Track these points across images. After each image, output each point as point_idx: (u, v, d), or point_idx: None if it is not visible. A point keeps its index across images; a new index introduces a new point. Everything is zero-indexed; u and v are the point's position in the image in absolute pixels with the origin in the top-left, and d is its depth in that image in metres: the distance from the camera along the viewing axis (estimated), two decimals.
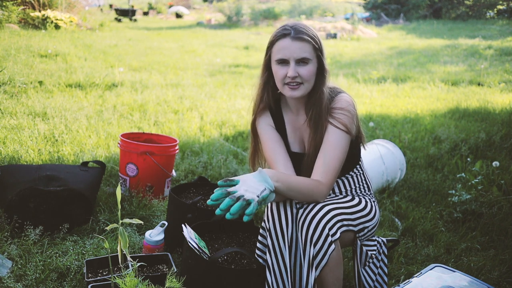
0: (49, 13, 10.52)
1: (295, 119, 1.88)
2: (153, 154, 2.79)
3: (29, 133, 3.64)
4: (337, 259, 1.62)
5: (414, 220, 2.77)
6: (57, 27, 10.53)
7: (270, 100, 1.88)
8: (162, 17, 23.03)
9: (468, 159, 3.62)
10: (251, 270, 1.79)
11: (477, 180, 3.04)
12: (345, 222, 1.68)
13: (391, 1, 21.49)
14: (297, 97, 1.76)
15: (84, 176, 2.53)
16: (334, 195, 1.88)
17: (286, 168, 1.79)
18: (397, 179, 3.26)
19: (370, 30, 16.54)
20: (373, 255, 1.83)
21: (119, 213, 1.66)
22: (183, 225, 1.81)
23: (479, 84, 7.08)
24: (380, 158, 3.13)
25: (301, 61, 1.71)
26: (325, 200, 1.74)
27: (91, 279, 1.90)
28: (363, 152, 2.00)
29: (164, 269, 2.06)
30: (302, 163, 1.82)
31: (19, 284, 1.89)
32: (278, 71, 1.74)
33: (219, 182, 1.52)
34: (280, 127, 1.89)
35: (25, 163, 3.07)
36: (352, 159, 1.87)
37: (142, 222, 1.68)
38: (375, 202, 1.91)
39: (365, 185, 1.95)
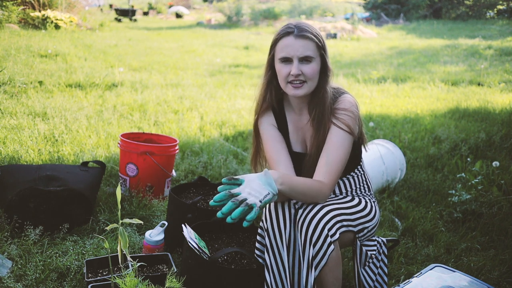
0: (49, 13, 10.52)
1: (297, 119, 1.88)
2: (153, 154, 2.79)
3: (29, 133, 3.64)
4: (336, 260, 1.62)
5: (414, 220, 2.77)
6: (57, 27, 10.53)
7: (273, 100, 1.87)
8: (162, 17, 23.03)
9: (468, 159, 3.62)
10: (251, 270, 1.79)
11: (477, 180, 3.04)
12: (345, 223, 1.68)
13: (391, 1, 21.49)
14: (300, 96, 1.76)
15: (84, 176, 2.53)
16: (334, 195, 1.87)
17: (287, 168, 1.79)
18: (397, 179, 3.26)
19: (370, 30, 16.54)
20: (373, 255, 1.83)
21: (119, 213, 1.66)
22: (183, 225, 1.81)
23: (479, 84, 7.08)
24: (380, 158, 3.13)
25: (305, 59, 1.71)
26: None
27: (91, 279, 1.90)
28: (363, 152, 2.00)
29: (164, 269, 2.06)
30: (304, 162, 1.82)
31: (19, 284, 1.89)
32: (282, 70, 1.74)
33: (223, 180, 1.51)
34: (282, 127, 1.89)
35: (25, 163, 3.07)
36: (353, 160, 1.87)
37: (142, 222, 1.68)
38: (375, 203, 1.91)
39: (365, 186, 1.95)
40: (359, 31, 15.59)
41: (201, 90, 6.22)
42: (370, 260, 1.82)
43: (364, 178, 1.95)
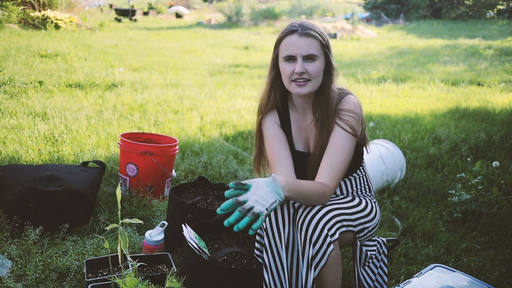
0: (49, 13, 10.52)
1: (301, 119, 1.88)
2: (153, 154, 2.79)
3: (29, 133, 3.64)
4: (336, 259, 1.62)
5: (414, 220, 2.77)
6: (57, 27, 10.53)
7: (277, 99, 1.86)
8: (162, 17, 23.03)
9: (468, 159, 3.62)
10: (251, 270, 1.79)
11: (477, 180, 3.04)
12: (345, 223, 1.68)
13: (391, 1, 21.49)
14: (304, 94, 1.75)
15: (84, 176, 2.53)
16: (335, 196, 1.87)
17: (288, 168, 1.78)
18: (397, 179, 3.26)
19: (370, 30, 16.54)
20: (372, 255, 1.83)
21: (119, 213, 1.66)
22: (183, 225, 1.81)
23: (479, 84, 7.08)
24: (380, 158, 3.13)
25: (309, 58, 1.71)
26: None
27: (91, 279, 1.90)
28: (364, 153, 2.00)
29: (164, 269, 2.06)
30: (308, 162, 1.82)
31: (19, 284, 1.89)
32: (286, 68, 1.74)
33: (230, 184, 1.49)
34: (285, 126, 1.89)
35: (25, 163, 3.07)
36: (355, 161, 1.86)
37: (142, 222, 1.68)
38: (376, 203, 1.91)
39: (366, 187, 1.95)
40: (359, 31, 15.59)
41: (201, 90, 6.22)
42: (370, 260, 1.82)
43: (365, 179, 1.95)
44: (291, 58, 1.72)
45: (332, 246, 1.58)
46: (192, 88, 6.32)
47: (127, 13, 18.92)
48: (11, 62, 6.06)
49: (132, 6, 20.82)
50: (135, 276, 1.61)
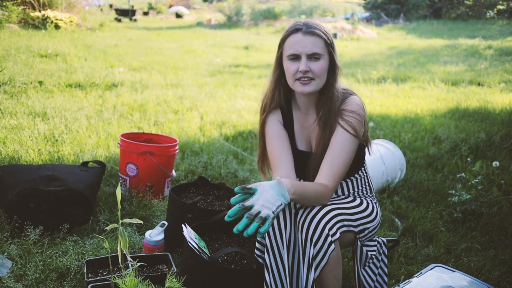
0: (49, 13, 10.52)
1: (304, 118, 1.87)
2: (153, 154, 2.79)
3: (29, 133, 3.64)
4: (336, 259, 1.62)
5: (414, 220, 2.77)
6: (57, 27, 10.53)
7: (281, 99, 1.86)
8: (162, 17, 23.03)
9: (468, 159, 3.62)
10: (251, 270, 1.79)
11: (477, 180, 3.04)
12: (346, 223, 1.68)
13: (391, 1, 21.49)
14: (308, 93, 1.75)
15: (84, 176, 2.53)
16: (336, 196, 1.87)
17: (289, 168, 1.78)
18: (397, 179, 3.26)
19: (370, 30, 16.54)
20: (373, 255, 1.83)
21: (119, 213, 1.66)
22: (183, 225, 1.81)
23: (479, 84, 7.08)
24: (380, 158, 3.13)
25: (313, 56, 1.71)
26: None
27: (91, 279, 1.90)
28: (366, 154, 2.00)
29: (164, 269, 2.06)
30: (310, 162, 1.82)
31: (19, 284, 1.89)
32: (290, 67, 1.73)
33: (236, 189, 1.49)
34: (288, 125, 1.89)
35: (25, 163, 3.07)
36: (357, 162, 1.86)
37: (142, 222, 1.68)
38: (377, 204, 1.91)
39: (367, 187, 1.95)
40: (359, 31, 15.59)
41: (201, 90, 6.22)
42: (370, 261, 1.82)
43: (366, 180, 1.95)
44: (295, 57, 1.72)
45: (333, 246, 1.58)
46: (192, 88, 6.32)
47: (127, 13, 18.92)
48: (11, 62, 6.06)
49: (132, 6, 20.81)
50: (135, 276, 1.61)
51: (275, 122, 1.87)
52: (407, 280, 1.67)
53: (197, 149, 3.77)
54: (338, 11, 23.26)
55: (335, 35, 14.64)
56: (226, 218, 1.45)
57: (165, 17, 23.19)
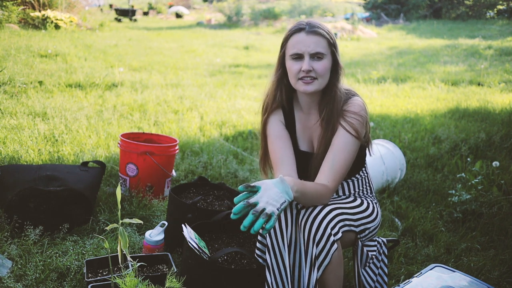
0: (49, 13, 10.52)
1: (305, 118, 1.87)
2: (153, 154, 2.79)
3: (29, 133, 3.64)
4: (338, 259, 1.62)
5: (414, 220, 2.77)
6: (57, 27, 10.53)
7: (283, 99, 1.86)
8: (162, 17, 23.03)
9: (468, 159, 3.62)
10: (251, 270, 1.79)
11: (477, 180, 3.04)
12: (347, 222, 1.68)
13: (391, 1, 21.49)
14: (310, 93, 1.75)
15: (84, 176, 2.53)
16: (337, 196, 1.87)
17: (291, 168, 1.78)
18: (397, 179, 3.26)
19: (370, 30, 16.54)
20: (373, 255, 1.83)
21: (119, 213, 1.66)
22: (183, 225, 1.81)
23: (479, 84, 7.08)
24: (380, 158, 3.13)
25: (316, 56, 1.71)
26: None
27: (91, 279, 1.90)
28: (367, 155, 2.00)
29: (164, 269, 2.06)
30: (311, 162, 1.82)
31: (19, 284, 1.89)
32: (293, 66, 1.73)
33: (240, 188, 1.48)
34: (290, 125, 1.89)
35: (25, 163, 3.07)
36: (358, 163, 1.86)
37: (142, 222, 1.68)
38: (377, 204, 1.91)
39: (368, 188, 1.95)
40: (359, 31, 15.59)
41: (201, 90, 6.22)
42: (371, 261, 1.82)
43: (367, 180, 1.95)
44: (298, 56, 1.72)
45: (335, 245, 1.58)
46: (192, 88, 6.32)
47: (127, 13, 18.92)
48: (11, 62, 6.07)
49: (132, 6, 20.81)
50: (135, 276, 1.61)
51: (276, 122, 1.87)
52: (407, 280, 1.67)
53: (197, 149, 3.77)
54: (338, 11, 23.26)
55: (335, 35, 14.62)
56: (231, 216, 1.45)
57: (165, 17, 23.19)
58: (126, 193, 2.83)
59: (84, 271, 1.96)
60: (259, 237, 1.76)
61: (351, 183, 1.89)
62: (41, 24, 10.32)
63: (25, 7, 10.53)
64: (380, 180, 3.12)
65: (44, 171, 2.45)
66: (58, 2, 11.44)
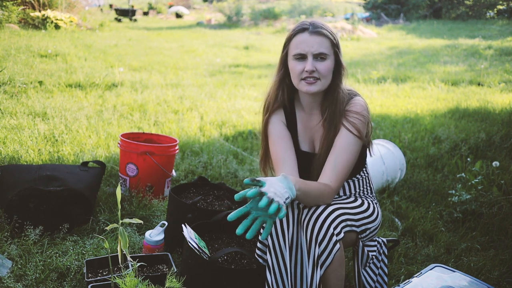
0: (49, 13, 10.52)
1: (307, 118, 1.87)
2: (153, 154, 2.79)
3: (29, 133, 3.65)
4: (340, 259, 1.62)
5: (414, 220, 2.77)
6: (57, 27, 10.53)
7: (285, 99, 1.86)
8: (162, 17, 23.03)
9: (468, 159, 3.62)
10: (251, 270, 1.79)
11: (477, 180, 3.04)
12: (349, 223, 1.68)
13: (391, 1, 21.49)
14: (313, 93, 1.75)
15: (84, 176, 2.53)
16: (338, 196, 1.87)
17: (292, 168, 1.78)
18: (397, 179, 3.26)
19: (370, 30, 16.53)
20: (373, 256, 1.83)
21: (119, 213, 1.66)
22: (183, 225, 1.81)
23: (479, 84, 7.08)
24: (380, 158, 3.13)
25: (319, 56, 1.71)
26: None
27: (91, 279, 1.90)
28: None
29: (164, 269, 2.06)
30: (314, 162, 1.82)
31: (19, 284, 1.89)
32: (296, 66, 1.73)
33: (245, 181, 1.47)
34: (291, 125, 1.88)
35: (25, 163, 3.07)
36: (359, 163, 1.86)
37: (142, 222, 1.68)
38: (377, 204, 1.92)
39: (368, 188, 1.95)
40: (359, 31, 15.59)
41: (201, 90, 6.22)
42: (371, 261, 1.82)
43: (367, 181, 1.95)
44: (301, 56, 1.72)
45: (338, 246, 1.58)
46: (192, 88, 6.32)
47: (127, 13, 18.92)
48: (11, 62, 6.07)
49: (132, 6, 20.81)
50: (135, 276, 1.61)
51: (278, 122, 1.87)
52: (407, 280, 1.67)
53: (197, 149, 3.77)
54: (338, 11, 23.26)
55: None
56: (248, 194, 1.42)
57: (165, 17, 23.19)
58: (126, 193, 2.83)
59: (84, 271, 1.96)
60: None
61: (351, 184, 1.89)
62: (41, 24, 10.32)
63: (25, 7, 10.53)
64: (380, 180, 3.12)
65: (44, 171, 2.45)
66: (58, 2, 11.44)
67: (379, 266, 1.86)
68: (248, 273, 1.77)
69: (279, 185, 1.49)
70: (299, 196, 1.57)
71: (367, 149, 1.91)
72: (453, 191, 3.02)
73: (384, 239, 1.94)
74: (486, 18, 20.14)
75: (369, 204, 1.83)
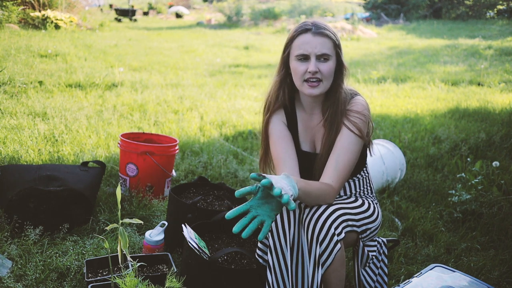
0: (49, 13, 10.52)
1: (308, 118, 1.87)
2: (153, 154, 2.79)
3: (29, 133, 3.65)
4: (341, 260, 1.62)
5: (414, 220, 2.77)
6: (57, 27, 10.53)
7: (286, 99, 1.85)
8: (162, 17, 23.03)
9: (468, 159, 3.62)
10: (251, 270, 1.79)
11: (477, 180, 3.04)
12: (350, 223, 1.68)
13: (391, 1, 21.48)
14: (315, 95, 1.75)
15: (84, 176, 2.53)
16: (339, 196, 1.87)
17: (293, 168, 1.78)
18: (397, 179, 3.26)
19: (370, 30, 16.53)
20: (373, 256, 1.83)
21: (119, 213, 1.66)
22: (183, 225, 1.81)
23: (479, 84, 7.08)
24: (380, 158, 3.13)
25: (322, 57, 1.70)
26: None
27: (91, 279, 1.90)
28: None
29: (164, 269, 2.06)
30: (315, 163, 1.82)
31: (19, 284, 1.89)
32: (298, 67, 1.73)
33: (252, 175, 1.43)
34: (292, 126, 1.88)
35: (25, 163, 3.07)
36: (360, 162, 1.86)
37: (142, 222, 1.68)
38: (377, 204, 1.92)
39: (368, 188, 1.95)
40: (359, 31, 15.59)
41: (201, 90, 6.22)
42: (371, 261, 1.82)
43: (368, 180, 1.95)
44: (304, 57, 1.71)
45: (339, 245, 1.58)
46: (192, 88, 6.32)
47: (127, 13, 18.92)
48: (11, 62, 6.07)
49: (132, 6, 20.82)
50: (135, 276, 1.61)
51: (278, 122, 1.87)
52: (407, 280, 1.67)
53: (197, 149, 3.77)
54: (338, 11, 23.26)
55: None
56: (263, 182, 1.38)
57: (165, 17, 23.19)
58: (126, 193, 2.83)
59: (84, 271, 1.96)
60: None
61: (352, 183, 1.89)
62: (41, 24, 10.32)
63: (25, 7, 10.53)
64: (380, 180, 3.12)
65: (44, 171, 2.45)
66: (58, 2, 11.44)
67: (379, 266, 1.86)
68: (248, 273, 1.77)
69: (284, 182, 1.48)
70: (301, 195, 1.57)
71: (368, 148, 1.91)
72: (453, 191, 3.02)
73: (384, 239, 1.94)
74: (486, 18, 20.14)
75: (369, 204, 1.83)
